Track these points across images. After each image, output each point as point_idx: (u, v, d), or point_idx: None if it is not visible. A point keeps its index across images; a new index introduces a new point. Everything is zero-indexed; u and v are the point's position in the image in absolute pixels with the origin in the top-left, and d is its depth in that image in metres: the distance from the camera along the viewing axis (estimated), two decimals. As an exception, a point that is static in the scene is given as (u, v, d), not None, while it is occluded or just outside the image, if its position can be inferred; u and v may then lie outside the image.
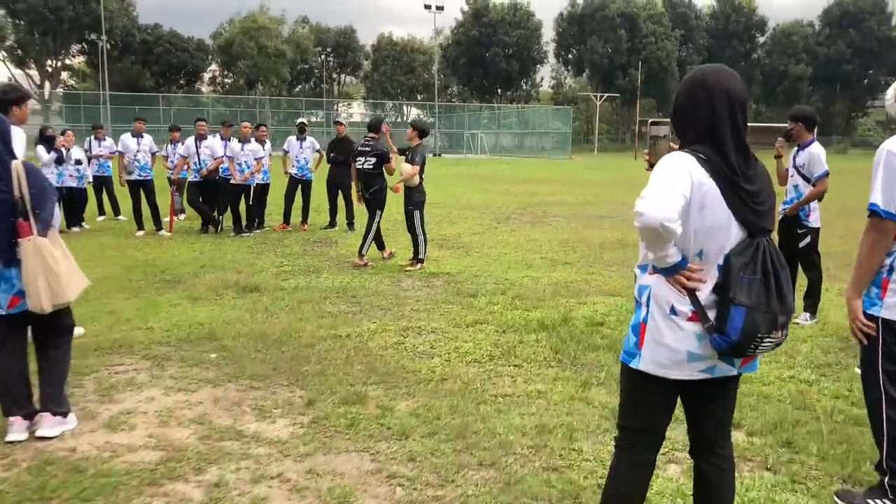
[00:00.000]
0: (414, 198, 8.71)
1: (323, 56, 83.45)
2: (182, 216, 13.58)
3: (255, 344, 5.53)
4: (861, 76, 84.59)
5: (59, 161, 11.23)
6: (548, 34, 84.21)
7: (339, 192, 12.35)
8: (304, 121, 12.61)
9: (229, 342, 5.56)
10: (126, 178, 11.60)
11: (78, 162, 11.87)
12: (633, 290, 2.57)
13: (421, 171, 8.64)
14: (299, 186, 12.50)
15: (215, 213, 11.95)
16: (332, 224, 12.50)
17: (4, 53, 65.75)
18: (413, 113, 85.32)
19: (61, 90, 70.17)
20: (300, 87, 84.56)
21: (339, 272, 8.57)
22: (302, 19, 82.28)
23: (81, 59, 73.24)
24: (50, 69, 67.86)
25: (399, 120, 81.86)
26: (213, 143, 11.77)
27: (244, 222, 11.67)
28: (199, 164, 11.70)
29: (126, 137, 11.64)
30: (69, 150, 11.56)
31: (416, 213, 8.69)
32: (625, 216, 14.47)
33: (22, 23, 62.37)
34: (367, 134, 9.37)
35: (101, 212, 13.69)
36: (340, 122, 12.39)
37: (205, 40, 78.29)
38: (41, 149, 11.11)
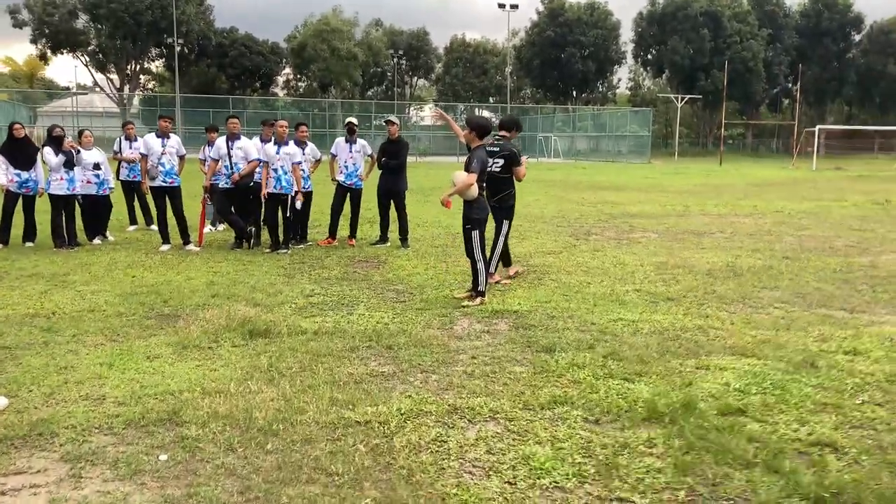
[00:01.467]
0: (472, 214, 6.89)
1: (395, 59, 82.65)
2: (220, 226, 12.14)
3: (229, 435, 3.80)
4: (970, 76, 78.61)
5: (70, 164, 9.84)
6: (626, 34, 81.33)
7: (393, 202, 10.66)
8: (354, 120, 10.91)
9: (195, 430, 3.84)
10: (149, 185, 10.15)
11: (96, 167, 10.48)
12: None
13: (480, 180, 6.82)
14: (348, 196, 10.85)
15: (250, 227, 10.43)
16: (384, 239, 10.80)
17: (87, 58, 67.11)
18: (486, 116, 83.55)
19: (139, 93, 71.40)
20: (372, 90, 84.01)
21: (380, 306, 6.81)
22: (375, 22, 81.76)
23: (160, 62, 74.39)
24: (129, 73, 68.98)
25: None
26: (247, 145, 10.22)
27: (281, 238, 10.08)
28: (232, 168, 10.18)
29: (150, 138, 10.18)
30: (79, 152, 10.16)
31: (475, 234, 6.87)
32: (727, 231, 12.27)
33: (103, 27, 63.48)
34: (496, 133, 8.06)
35: (133, 220, 12.37)
36: (393, 121, 10.62)
37: (279, 43, 78.55)
38: (49, 151, 9.74)
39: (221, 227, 12.09)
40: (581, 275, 8.39)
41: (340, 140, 10.91)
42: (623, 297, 7.19)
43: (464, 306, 6.76)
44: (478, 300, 6.83)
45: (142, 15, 61.23)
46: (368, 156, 10.99)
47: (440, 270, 8.66)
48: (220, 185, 10.39)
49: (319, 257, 9.63)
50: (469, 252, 6.95)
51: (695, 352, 5.34)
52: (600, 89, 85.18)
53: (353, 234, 10.93)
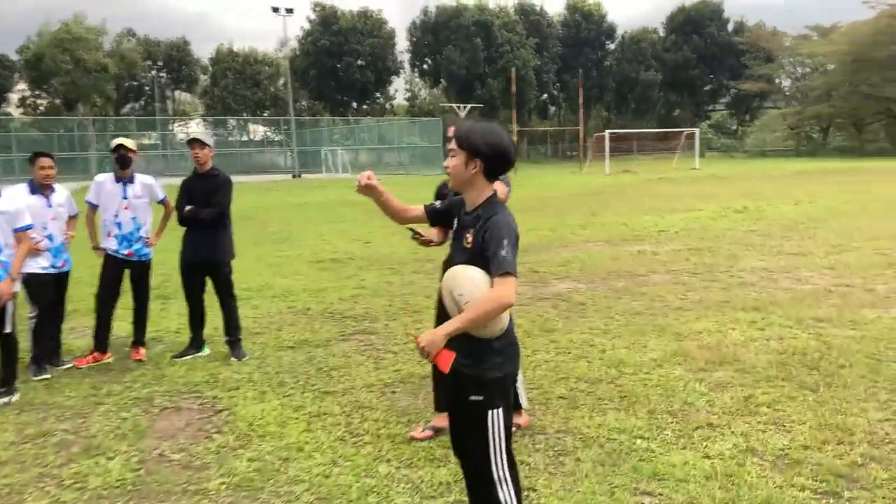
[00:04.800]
0: (487, 371, 2.71)
1: (154, 71, 74.24)
2: None
3: None
4: (706, 81, 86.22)
5: None
6: (402, 43, 79.80)
7: (211, 281, 6.25)
8: (128, 142, 6.29)
9: None
10: None
11: None
12: None
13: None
14: (126, 274, 6.27)
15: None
16: (197, 345, 6.31)
17: None
18: (260, 131, 78.06)
19: None
20: (129, 105, 74.95)
21: None
22: (127, 31, 72.85)
23: None
24: None
25: (245, 138, 74.32)
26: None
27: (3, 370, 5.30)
28: None
29: None
30: None
31: (496, 417, 2.72)
32: (663, 271, 9.16)
33: None
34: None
35: None
36: (201, 141, 6.17)
37: (9, 55, 67.32)
38: None
39: None
40: (629, 419, 4.63)
41: (105, 179, 6.24)
42: None
43: None
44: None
45: None
46: (160, 201, 6.45)
47: (336, 425, 4.49)
48: None
49: (79, 409, 4.99)
50: (479, 462, 2.82)
51: None
52: (380, 100, 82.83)
53: (140, 340, 6.33)
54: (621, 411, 4.53)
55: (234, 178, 6.19)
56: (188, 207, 6.03)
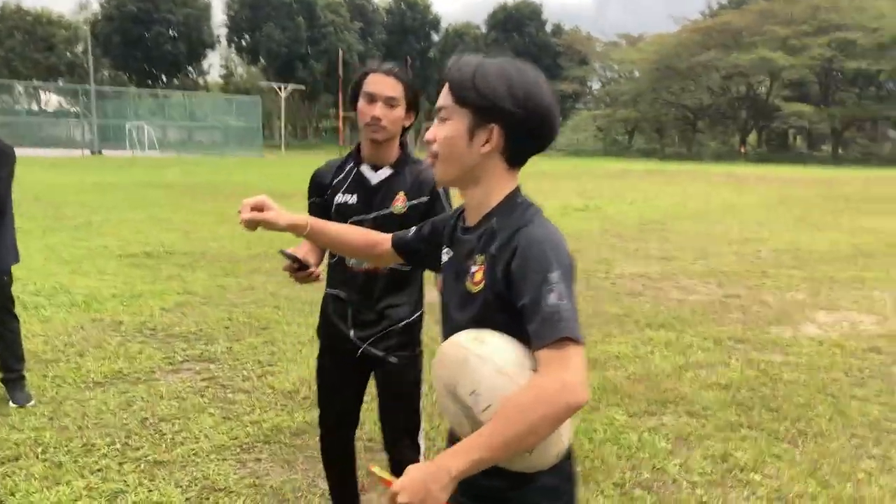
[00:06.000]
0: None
1: (-82, 24, 64.35)
2: None
3: None
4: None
5: None
6: (219, 17, 75.29)
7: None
8: None
9: None
10: None
11: None
12: None
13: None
14: None
15: None
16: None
17: None
18: (53, 100, 70.18)
19: None
20: None
21: None
22: None
23: None
24: None
25: (35, 107, 66.40)
26: None
27: None
28: None
29: None
30: None
31: None
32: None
33: None
34: None
35: None
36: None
37: None
38: None
39: None
40: None
41: None
42: None
43: None
44: None
45: None
46: None
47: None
48: None
49: None
50: None
51: None
52: (192, 74, 77.57)
53: None
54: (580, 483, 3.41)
55: (21, 152, 4.40)
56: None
